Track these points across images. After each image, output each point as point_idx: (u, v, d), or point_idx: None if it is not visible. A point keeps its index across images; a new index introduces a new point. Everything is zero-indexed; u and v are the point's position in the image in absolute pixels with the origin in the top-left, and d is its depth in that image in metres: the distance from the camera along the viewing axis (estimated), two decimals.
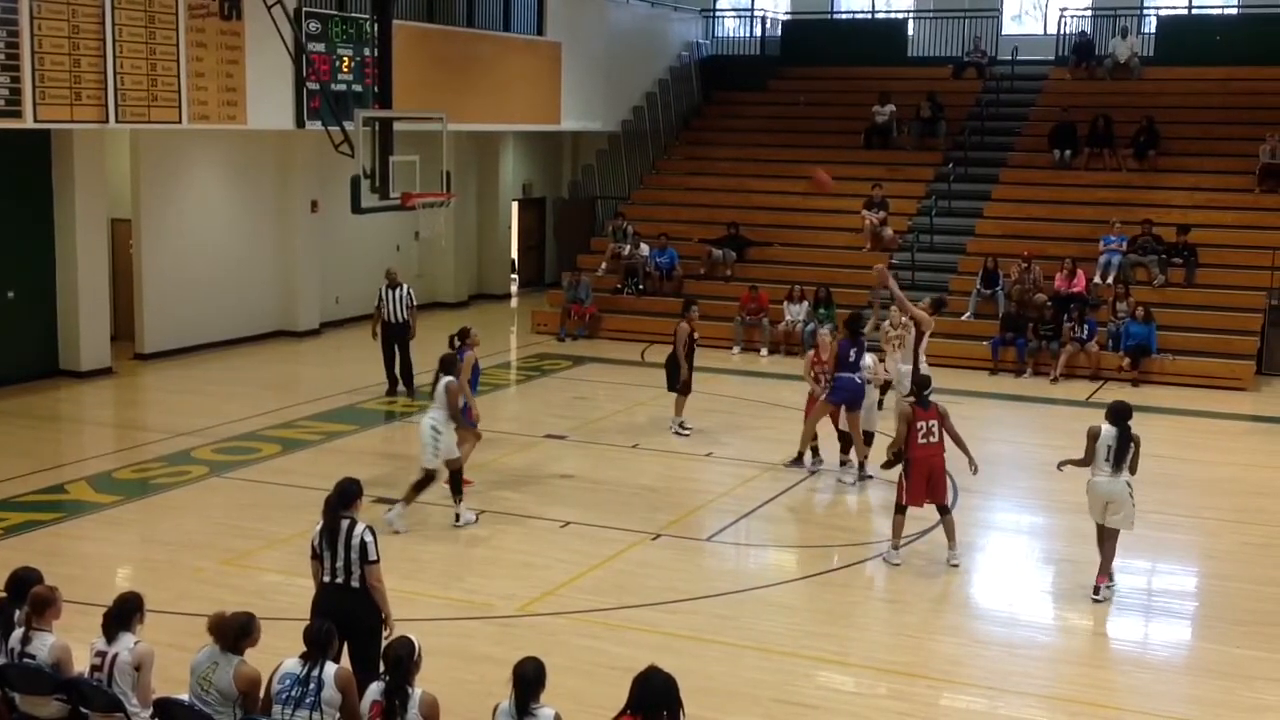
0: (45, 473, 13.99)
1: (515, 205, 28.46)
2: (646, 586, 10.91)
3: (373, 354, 18.26)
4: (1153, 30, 27.99)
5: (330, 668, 6.62)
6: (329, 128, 16.74)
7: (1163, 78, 26.23)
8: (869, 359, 14.34)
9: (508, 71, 23.37)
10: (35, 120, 15.37)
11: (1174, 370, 19.84)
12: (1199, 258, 21.55)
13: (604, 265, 24.25)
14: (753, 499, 13.51)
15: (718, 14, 32.01)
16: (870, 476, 14.09)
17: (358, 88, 19.31)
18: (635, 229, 24.63)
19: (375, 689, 6.50)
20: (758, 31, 30.68)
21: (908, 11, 31.40)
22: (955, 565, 11.49)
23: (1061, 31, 28.28)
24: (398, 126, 17.18)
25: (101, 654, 6.96)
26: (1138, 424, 10.72)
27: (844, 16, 32.47)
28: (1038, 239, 22.57)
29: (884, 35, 30.08)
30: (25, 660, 7.01)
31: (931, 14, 29.67)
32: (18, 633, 7.12)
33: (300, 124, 18.85)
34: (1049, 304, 20.85)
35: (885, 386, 15.07)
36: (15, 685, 7.06)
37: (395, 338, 17.85)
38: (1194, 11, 29.06)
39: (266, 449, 15.10)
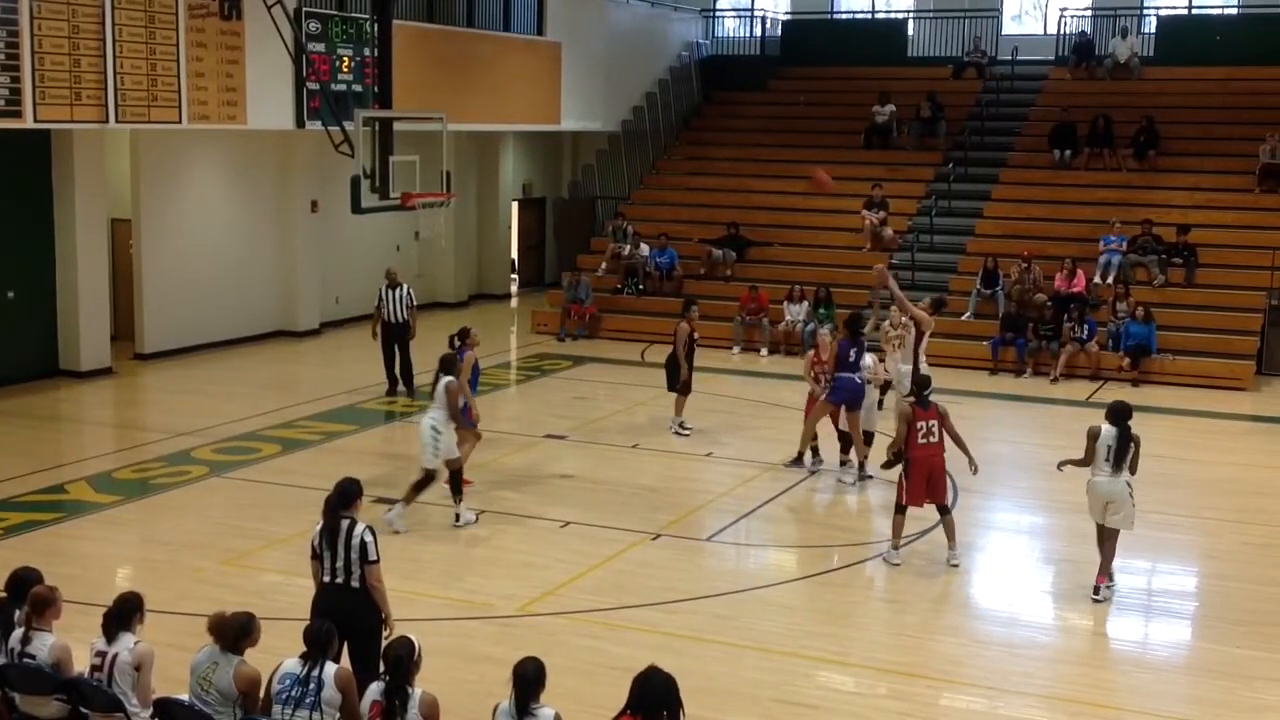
0: (45, 473, 13.99)
1: (515, 205, 28.46)
2: (646, 586, 10.91)
3: (373, 354, 18.26)
4: (1153, 30, 28.00)
5: (330, 668, 6.62)
6: (329, 128, 16.74)
7: (1163, 78, 26.23)
8: (869, 359, 14.34)
9: (508, 71, 23.37)
10: (35, 120, 15.38)
11: (1174, 370, 19.84)
12: (1199, 258, 21.55)
13: (604, 265, 24.25)
14: (753, 499, 13.51)
15: (718, 14, 32.01)
16: (870, 476, 14.09)
17: (358, 88, 19.31)
18: (635, 229, 24.63)
19: (375, 689, 6.50)
20: (758, 31, 30.68)
21: (908, 11, 31.40)
22: (955, 565, 11.49)
23: (1061, 31, 28.28)
24: (398, 126, 17.19)
25: (101, 654, 6.96)
26: (1138, 424, 10.73)
27: (844, 16, 32.47)
28: (1038, 239, 22.56)
29: (884, 35, 30.08)
30: (25, 660, 7.01)
31: (931, 14, 29.67)
32: (18, 633, 7.12)
33: (300, 124, 18.86)
34: (1049, 304, 20.85)
35: (885, 386, 15.07)
36: (15, 685, 7.06)
37: (395, 338, 17.85)
38: (1194, 11, 29.06)
39: (266, 449, 15.10)
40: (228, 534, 12.08)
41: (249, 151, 21.55)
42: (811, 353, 14.63)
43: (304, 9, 18.50)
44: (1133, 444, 10.59)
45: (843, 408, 14.03)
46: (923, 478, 11.32)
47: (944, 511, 11.56)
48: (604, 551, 11.72)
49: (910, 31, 30.08)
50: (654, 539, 12.14)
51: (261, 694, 6.72)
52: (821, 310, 21.30)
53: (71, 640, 7.23)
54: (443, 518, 12.44)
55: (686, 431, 15.97)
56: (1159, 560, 12.12)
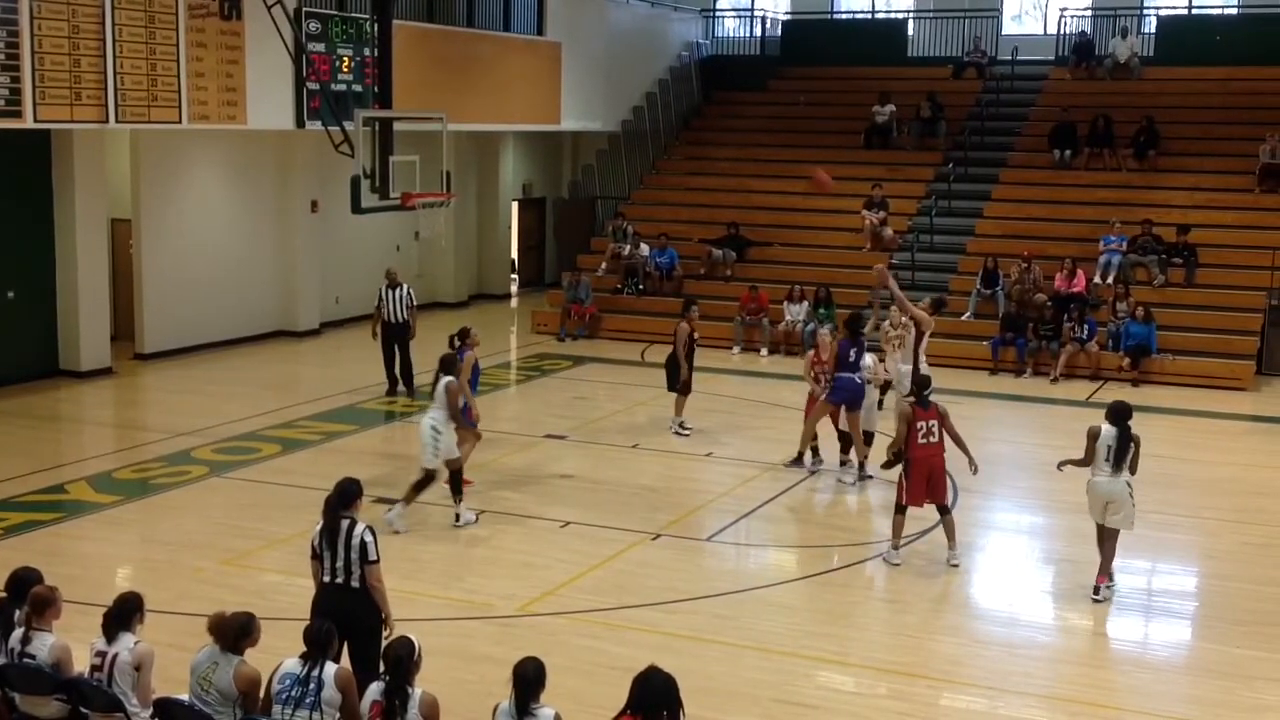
0: (45, 473, 13.99)
1: (515, 205, 28.46)
2: (646, 586, 10.91)
3: (373, 354, 18.26)
4: (1153, 30, 28.00)
5: (330, 668, 6.62)
6: (329, 128, 16.74)
7: (1163, 78, 26.23)
8: (869, 359, 14.34)
9: (508, 71, 23.37)
10: (35, 120, 15.38)
11: (1174, 370, 19.84)
12: (1199, 258, 21.55)
13: (604, 265, 24.25)
14: (753, 499, 13.51)
15: (718, 14, 32.01)
16: (870, 476, 14.09)
17: (358, 88, 19.31)
18: (635, 229, 24.63)
19: (375, 689, 6.50)
20: (758, 31, 30.68)
21: (908, 11, 31.40)
22: (955, 565, 11.49)
23: (1061, 31, 28.28)
24: (398, 126, 17.19)
25: (101, 654, 6.96)
26: (1138, 424, 10.73)
27: (844, 16, 32.47)
28: (1038, 239, 22.57)
29: (884, 35, 30.08)
30: (25, 660, 7.01)
31: (931, 14, 29.67)
32: (18, 633, 7.12)
33: (300, 124, 18.86)
34: (1049, 304, 20.85)
35: (885, 386, 15.07)
36: (15, 685, 7.06)
37: (395, 338, 17.85)
38: (1194, 11, 29.06)
39: (266, 449, 15.10)
40: (228, 534, 12.08)
41: (249, 151, 21.55)
42: (811, 353, 14.63)
43: (304, 9, 18.50)
44: (1133, 444, 10.59)
45: (843, 408, 14.03)
46: (923, 478, 11.32)
47: (944, 511, 11.56)
48: (604, 551, 11.72)
49: (910, 31, 30.09)
50: (654, 539, 12.14)
51: (261, 694, 6.72)
52: (821, 310, 21.30)
53: (71, 640, 7.23)
54: (443, 518, 12.44)
55: (686, 431, 15.97)
56: (1159, 560, 12.13)
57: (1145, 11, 28.67)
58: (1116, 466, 10.55)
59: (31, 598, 7.15)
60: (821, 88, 28.36)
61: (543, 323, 23.76)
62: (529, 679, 6.22)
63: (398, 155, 16.86)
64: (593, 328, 23.20)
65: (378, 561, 7.82)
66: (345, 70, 19.25)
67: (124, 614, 7.05)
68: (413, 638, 6.61)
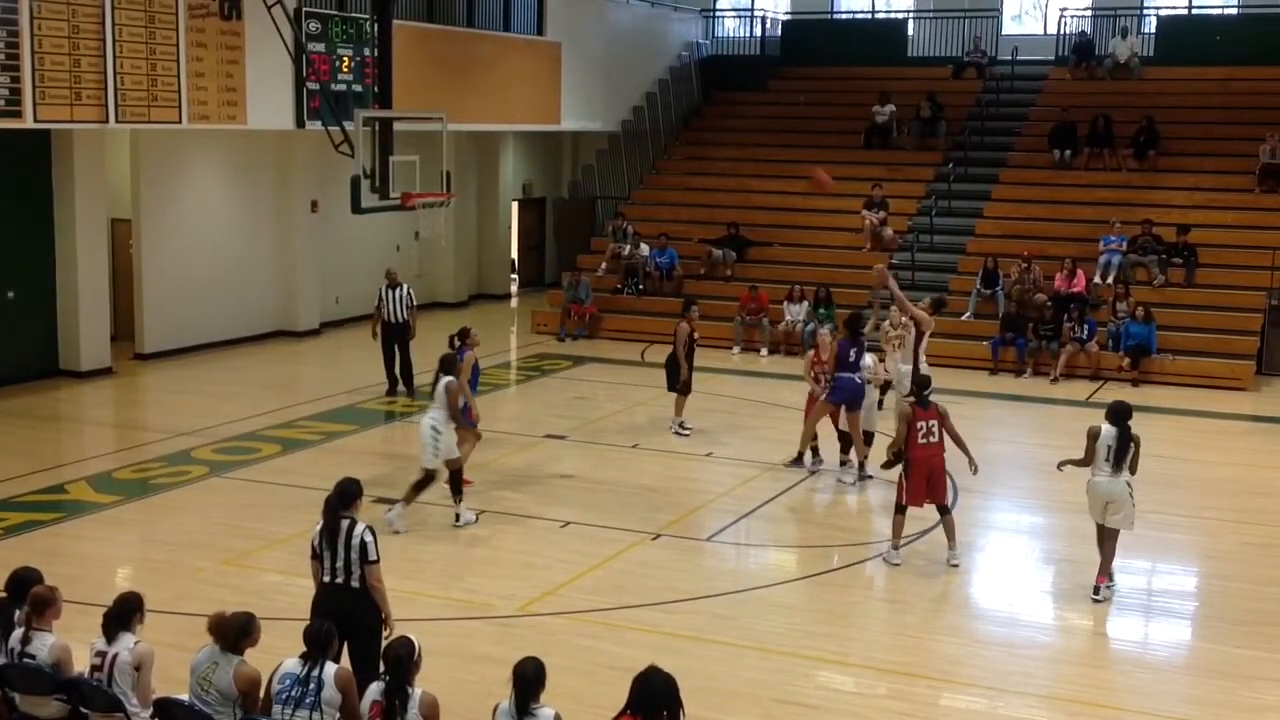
0: (45, 473, 13.99)
1: (515, 205, 28.46)
2: (646, 586, 10.91)
3: (373, 354, 18.26)
4: (1153, 30, 28.00)
5: (330, 668, 6.62)
6: (329, 128, 16.74)
7: (1163, 78, 26.23)
8: (869, 359, 14.34)
9: (508, 71, 23.37)
10: (35, 120, 15.38)
11: (1174, 370, 19.84)
12: (1199, 258, 21.55)
13: (604, 265, 24.26)
14: (753, 499, 13.51)
15: (718, 14, 32.01)
16: (870, 476, 14.09)
17: (358, 88, 19.31)
18: (635, 229, 24.63)
19: (375, 689, 6.50)
20: (758, 31, 30.68)
21: (908, 11, 31.40)
22: (955, 565, 11.49)
23: (1061, 31, 28.28)
24: (398, 126, 17.19)
25: (101, 654, 6.96)
26: (1138, 424, 10.73)
27: (844, 16, 32.47)
28: (1038, 239, 22.57)
29: (884, 35, 30.08)
30: (25, 660, 7.01)
31: (931, 14, 29.67)
32: (18, 633, 7.12)
33: (300, 124, 18.86)
34: (1049, 304, 20.85)
35: (885, 386, 15.07)
36: (15, 685, 7.06)
37: (395, 338, 17.85)
38: (1194, 11, 29.06)
39: (266, 449, 15.10)
40: (228, 534, 12.08)
41: (249, 151, 21.55)
42: (811, 353, 14.63)
43: (304, 9, 18.50)
44: (1133, 444, 10.59)
45: (843, 408, 14.03)
46: (923, 478, 11.32)
47: (944, 511, 11.56)
48: (604, 551, 11.72)
49: (910, 31, 30.09)
50: (654, 539, 12.14)
51: (261, 694, 6.72)
52: (821, 310, 21.30)
53: (71, 640, 7.23)
54: (443, 518, 12.44)
55: (686, 431, 15.97)
56: (1159, 560, 12.13)
57: (1145, 11, 28.68)
58: (1116, 466, 10.56)
59: (31, 598, 7.15)
60: (821, 88, 28.36)
61: (543, 323, 23.76)
62: (529, 679, 6.22)
63: (398, 155, 16.86)
64: (593, 328, 23.20)
65: (378, 561, 7.82)
66: (345, 70, 19.25)
67: (124, 614, 7.05)
68: (413, 638, 6.61)
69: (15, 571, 7.51)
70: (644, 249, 24.01)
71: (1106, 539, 10.77)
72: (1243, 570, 11.78)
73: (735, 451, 15.37)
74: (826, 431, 14.51)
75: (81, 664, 7.10)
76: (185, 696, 6.90)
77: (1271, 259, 20.93)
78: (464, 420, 12.52)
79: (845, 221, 24.03)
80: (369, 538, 7.79)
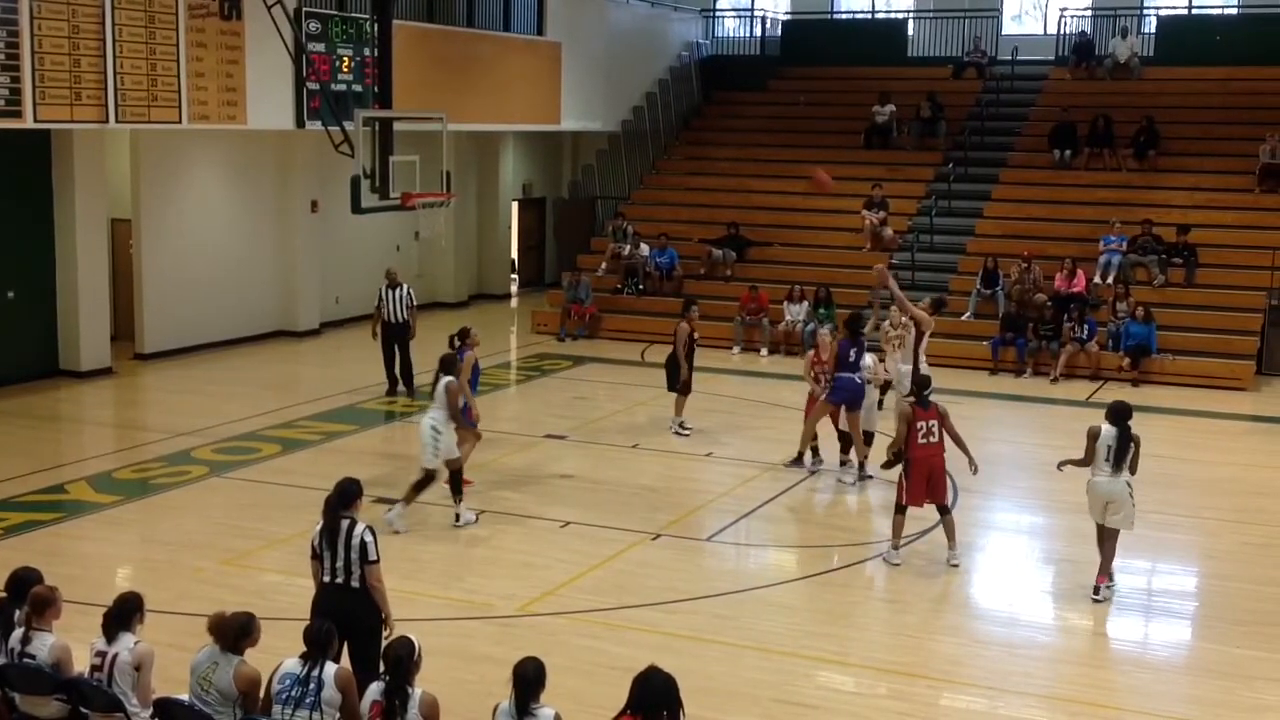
0: (45, 473, 13.99)
1: (515, 205, 28.46)
2: (646, 586, 10.91)
3: (373, 354, 18.26)
4: (1153, 30, 28.00)
5: (330, 668, 6.62)
6: (329, 128, 16.74)
7: (1163, 78, 26.23)
8: (869, 359, 14.34)
9: (508, 71, 23.37)
10: (35, 120, 15.38)
11: (1174, 370, 19.84)
12: (1199, 258, 21.55)
13: (604, 265, 24.26)
14: (753, 499, 13.51)
15: (718, 14, 32.01)
16: (870, 476, 14.09)
17: (358, 88, 19.31)
18: (635, 229, 24.63)
19: (375, 689, 6.50)
20: (758, 31, 30.68)
21: (908, 11, 31.40)
22: (955, 565, 11.49)
23: (1061, 31, 28.28)
24: (398, 126, 17.19)
25: (101, 654, 6.96)
26: (1138, 424, 10.73)
27: (844, 16, 32.47)
28: (1038, 239, 22.57)
29: (884, 35, 30.08)
30: (25, 660, 7.01)
31: (931, 14, 29.67)
32: (18, 633, 7.12)
33: (300, 124, 18.86)
34: (1049, 304, 20.85)
35: (885, 386, 15.07)
36: (15, 685, 7.06)
37: (395, 338, 17.85)
38: (1194, 11, 29.07)
39: (266, 449, 15.10)
40: (228, 534, 12.08)
41: (249, 151, 21.55)
42: (811, 353, 14.63)
43: (304, 9, 18.49)
44: (1133, 444, 10.59)
45: (843, 408, 14.03)
46: (923, 478, 11.32)
47: (944, 511, 11.56)
48: (604, 551, 11.72)
49: (910, 31, 30.09)
50: (654, 539, 12.14)
51: (261, 694, 6.72)
52: (821, 310, 21.30)
53: (71, 640, 7.23)
54: (443, 518, 12.44)
55: (686, 431, 15.97)
56: (1159, 560, 12.13)
57: (1145, 11, 28.68)
58: (1116, 466, 10.56)
59: (31, 598, 7.15)
60: (821, 88, 28.36)
61: (543, 323, 23.76)
62: (529, 679, 6.22)
63: (398, 155, 16.86)
64: (593, 328, 23.20)
65: (378, 561, 7.82)
66: (345, 70, 19.25)
67: (124, 614, 7.05)
68: (413, 638, 6.61)
69: (15, 571, 7.51)
70: (644, 249, 24.01)
71: (1106, 539, 10.77)
72: (1243, 570, 11.78)
73: (735, 451, 15.37)
74: (826, 431, 14.51)
75: (81, 664, 7.10)
76: (185, 696, 6.90)
77: (1271, 259, 20.93)
78: (464, 420, 12.52)
79: (845, 221, 24.03)
80: (369, 538, 7.79)
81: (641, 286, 23.75)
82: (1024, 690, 9.13)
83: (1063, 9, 28.66)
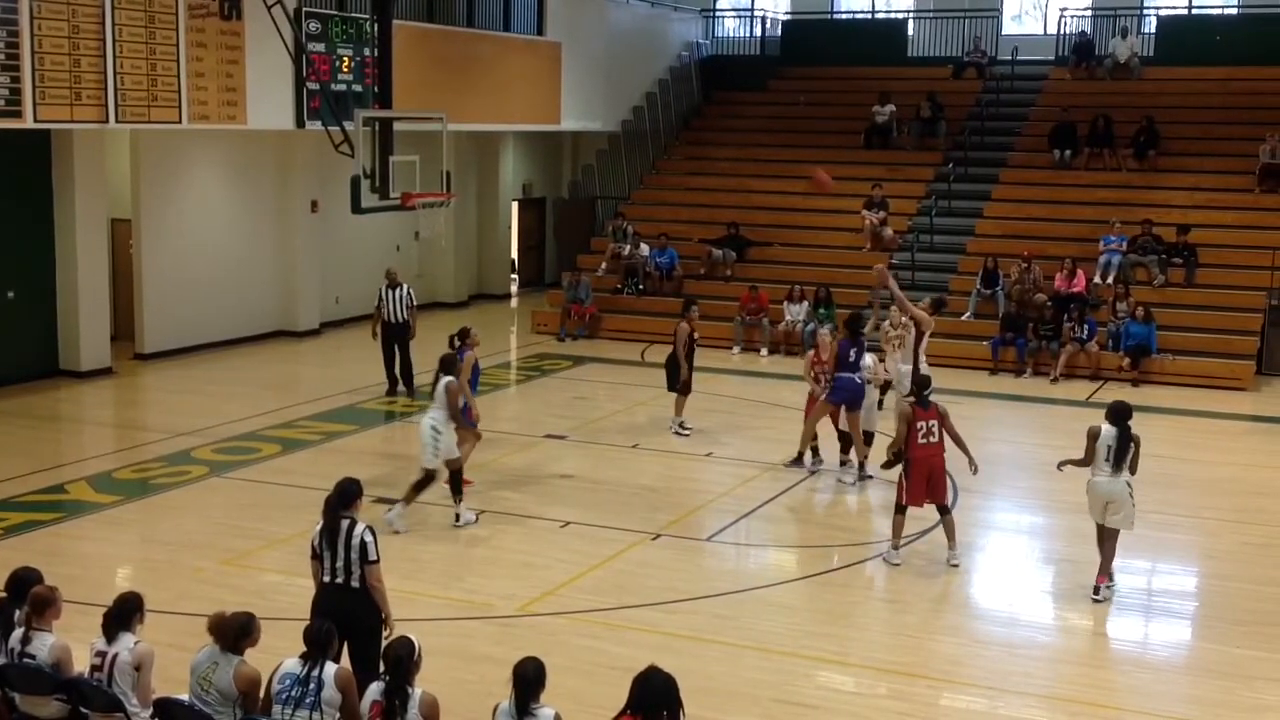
0: (45, 473, 13.99)
1: (515, 205, 28.46)
2: (646, 586, 10.91)
3: (373, 354, 18.26)
4: (1153, 30, 28.00)
5: (330, 668, 6.62)
6: (329, 128, 16.74)
7: (1163, 78, 26.23)
8: (869, 359, 14.34)
9: (508, 71, 23.37)
10: (35, 120, 15.38)
11: (1174, 370, 19.84)
12: (1199, 258, 21.55)
13: (604, 265, 24.26)
14: (753, 499, 13.51)
15: (718, 14, 32.02)
16: (870, 476, 14.09)
17: (358, 88, 19.31)
18: (635, 229, 24.63)
19: (375, 689, 6.50)
20: (758, 31, 30.68)
21: (908, 11, 31.41)
22: (955, 565, 11.49)
23: (1061, 31, 28.28)
24: (398, 126, 17.19)
25: (101, 654, 6.96)
26: (1138, 424, 10.73)
27: (844, 16, 32.47)
28: (1038, 239, 22.57)
29: (884, 35, 30.08)
30: (25, 660, 7.01)
31: (931, 14, 29.67)
32: (18, 633, 7.12)
33: (300, 124, 18.86)
34: (1049, 304, 20.85)
35: (885, 386, 15.07)
36: (15, 685, 7.06)
37: (395, 338, 17.85)
38: (1194, 11, 29.07)
39: (266, 449, 15.10)
40: (228, 534, 12.08)
41: (249, 151, 21.55)
42: (811, 353, 14.63)
43: (304, 9, 18.49)
44: (1133, 444, 10.59)
45: (843, 408, 14.03)
46: (923, 478, 11.31)
47: (944, 511, 11.56)
48: (604, 551, 11.72)
49: (910, 31, 30.09)
50: (654, 539, 12.14)
51: (261, 694, 6.72)
52: (821, 310, 21.30)
53: (71, 640, 7.23)
54: (443, 518, 12.44)
55: (686, 431, 15.97)
56: (1159, 560, 12.13)
57: (1145, 11, 28.68)
58: (1116, 466, 10.55)
59: (31, 598, 7.15)
60: (821, 88, 28.36)
61: (543, 323, 23.76)
62: (529, 679, 6.22)
63: (398, 155, 16.86)
64: (593, 328, 23.20)
65: (378, 561, 7.82)
66: (345, 70, 19.25)
67: (124, 614, 7.05)
68: (413, 638, 6.61)
69: (15, 571, 7.51)
70: (644, 249, 24.01)
71: (1106, 539, 10.77)
72: (1243, 570, 11.78)
73: (735, 451, 15.37)
74: (826, 431, 14.51)
75: (81, 664, 7.10)
76: (185, 696, 6.90)
77: (1271, 259, 20.93)
78: (464, 420, 12.52)
79: (845, 221, 24.03)
80: (369, 538, 7.79)
81: (641, 286, 23.75)
82: (1024, 690, 9.13)
83: (1063, 9, 28.67)
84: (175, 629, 8.97)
